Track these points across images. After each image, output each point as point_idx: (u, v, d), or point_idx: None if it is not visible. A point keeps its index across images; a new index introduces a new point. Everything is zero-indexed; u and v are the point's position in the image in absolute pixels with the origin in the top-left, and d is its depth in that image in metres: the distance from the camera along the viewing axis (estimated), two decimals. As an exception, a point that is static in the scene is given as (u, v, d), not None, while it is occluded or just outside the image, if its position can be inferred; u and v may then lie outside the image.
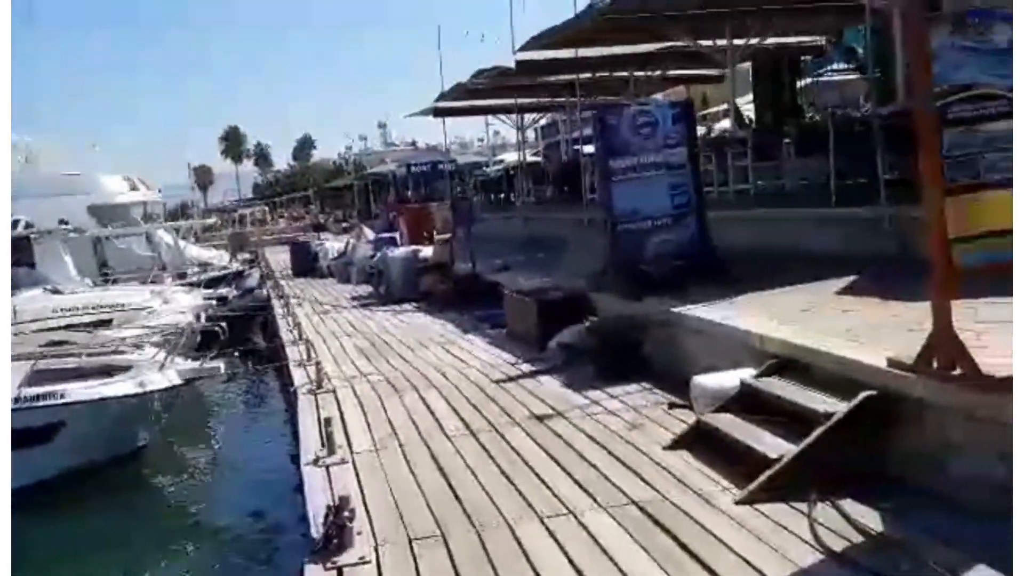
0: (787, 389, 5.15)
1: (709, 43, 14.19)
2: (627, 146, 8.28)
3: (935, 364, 4.18)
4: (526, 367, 8.15)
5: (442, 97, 21.67)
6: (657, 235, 8.37)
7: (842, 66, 30.17)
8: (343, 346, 10.53)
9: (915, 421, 4.31)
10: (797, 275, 7.79)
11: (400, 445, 6.06)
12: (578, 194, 18.63)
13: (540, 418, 6.35)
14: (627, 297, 8.01)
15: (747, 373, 5.59)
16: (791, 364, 5.36)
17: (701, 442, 5.27)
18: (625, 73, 18.31)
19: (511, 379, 7.77)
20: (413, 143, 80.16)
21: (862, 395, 4.44)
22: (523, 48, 14.76)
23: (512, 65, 16.23)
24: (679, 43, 14.65)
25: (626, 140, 8.27)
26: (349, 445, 6.08)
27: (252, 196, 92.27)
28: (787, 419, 4.88)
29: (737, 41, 14.11)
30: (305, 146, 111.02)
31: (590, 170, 16.61)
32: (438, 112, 22.64)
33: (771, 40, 14.98)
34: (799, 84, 17.59)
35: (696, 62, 16.55)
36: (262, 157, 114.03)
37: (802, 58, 18.01)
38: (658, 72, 18.17)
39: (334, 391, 7.90)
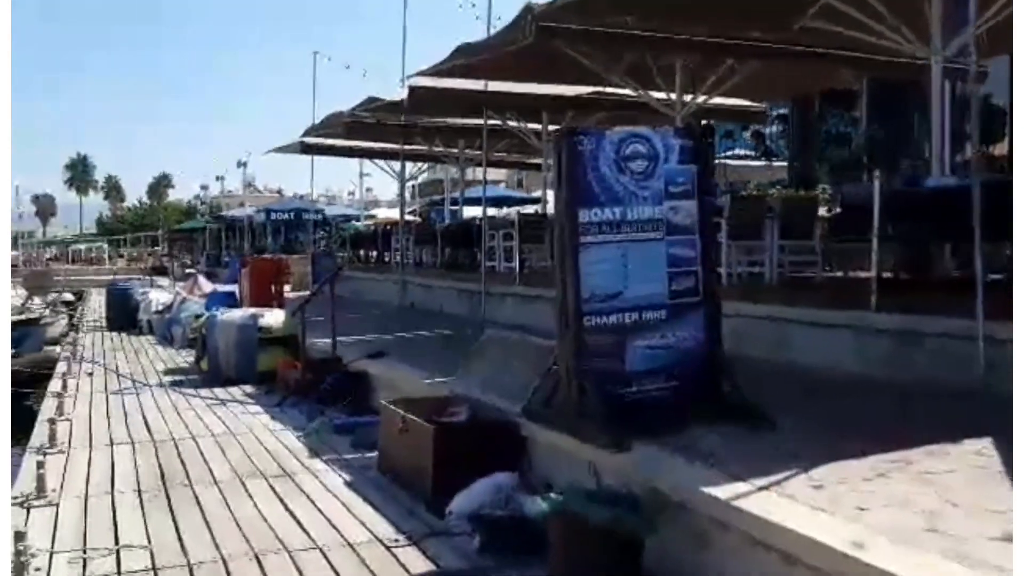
0: None
1: (660, 95, 11.34)
2: (607, 189, 5.03)
3: None
4: (411, 555, 4.62)
5: (312, 131, 18.12)
6: (645, 336, 5.11)
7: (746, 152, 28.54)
8: (113, 468, 6.65)
9: None
10: (848, 413, 4.80)
11: None
12: (471, 260, 15.41)
13: None
14: (598, 440, 4.67)
15: None
16: None
17: None
18: (538, 126, 15.36)
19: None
20: (279, 191, 75.41)
21: None
22: (425, 73, 11.50)
23: (400, 97, 12.97)
24: (620, 90, 11.78)
25: (605, 179, 5.03)
26: None
27: (96, 231, 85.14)
28: None
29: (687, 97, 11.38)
30: (161, 183, 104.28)
31: (486, 232, 13.40)
32: (306, 148, 18.98)
33: (719, 100, 12.30)
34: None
35: (629, 114, 13.73)
36: (113, 190, 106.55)
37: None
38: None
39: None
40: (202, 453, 7.03)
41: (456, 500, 5.10)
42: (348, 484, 6.03)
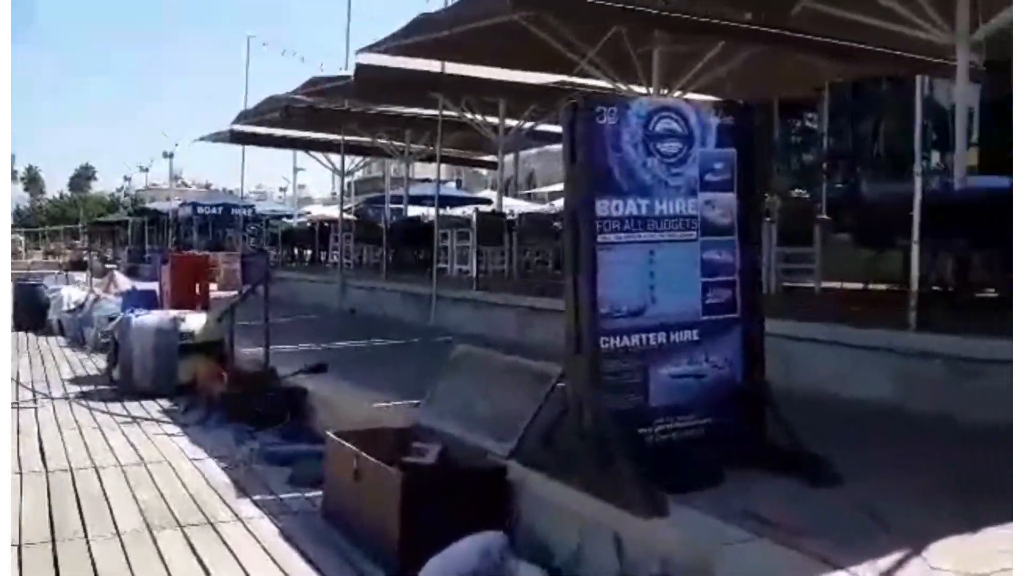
0: None
1: (639, 89, 10.32)
2: (632, 175, 3.97)
3: None
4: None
5: (244, 117, 16.70)
6: (672, 361, 4.06)
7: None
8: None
9: None
10: (917, 458, 3.82)
11: None
12: (420, 262, 14.24)
13: None
14: (627, 499, 3.57)
15: None
16: None
17: None
18: (494, 119, 14.25)
19: None
20: (207, 185, 72.62)
21: None
22: (375, 49, 10.28)
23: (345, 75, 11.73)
24: (590, 80, 10.76)
25: (630, 163, 3.96)
26: None
27: (13, 223, 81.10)
28: None
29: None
30: (84, 175, 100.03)
31: (438, 231, 12.26)
32: (237, 137, 17.52)
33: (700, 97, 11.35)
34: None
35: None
36: (32, 182, 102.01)
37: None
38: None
39: None
40: (104, 492, 5.71)
41: (429, 567, 3.96)
42: (285, 536, 4.82)
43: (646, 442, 3.99)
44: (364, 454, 4.58)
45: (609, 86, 10.16)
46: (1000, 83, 9.98)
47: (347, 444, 4.81)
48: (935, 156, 14.58)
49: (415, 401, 5.99)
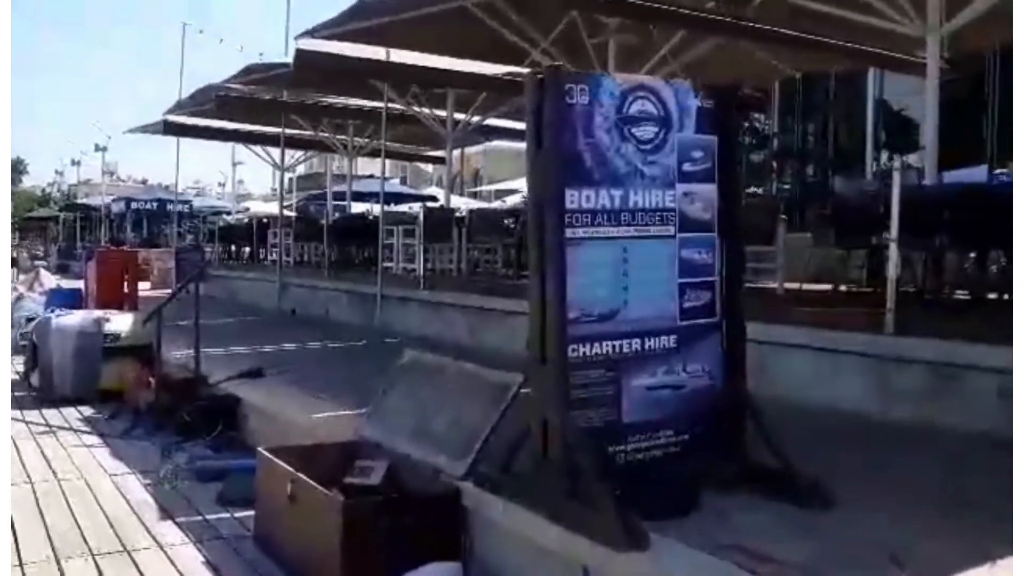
0: None
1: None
2: (604, 162, 3.54)
3: None
4: None
5: (179, 107, 15.94)
6: (647, 371, 3.65)
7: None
8: None
9: None
10: (912, 475, 3.42)
11: None
12: (364, 260, 13.68)
13: None
14: (601, 529, 3.14)
15: None
16: None
17: None
18: (442, 112, 13.73)
19: None
20: (144, 181, 70.53)
21: None
22: (316, 33, 9.70)
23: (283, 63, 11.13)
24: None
25: (602, 149, 3.54)
26: None
27: (-65, 218, 77.78)
28: None
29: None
30: (15, 168, 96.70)
31: (383, 228, 11.74)
32: (171, 128, 16.71)
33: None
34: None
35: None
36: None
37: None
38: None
39: None
40: (11, 513, 5.11)
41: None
42: (212, 567, 4.30)
43: (616, 462, 3.57)
44: (301, 475, 4.08)
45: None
46: (957, 80, 9.99)
47: (281, 463, 4.30)
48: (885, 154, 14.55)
49: (359, 411, 5.51)
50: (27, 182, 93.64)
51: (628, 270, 3.57)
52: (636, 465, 3.59)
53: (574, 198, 3.45)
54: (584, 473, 3.30)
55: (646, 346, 3.62)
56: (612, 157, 3.54)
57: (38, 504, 5.31)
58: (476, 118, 13.94)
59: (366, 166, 28.28)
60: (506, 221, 11.47)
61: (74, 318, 9.17)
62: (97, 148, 47.41)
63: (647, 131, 3.62)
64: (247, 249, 20.65)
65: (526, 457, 3.65)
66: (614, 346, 3.54)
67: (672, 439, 3.68)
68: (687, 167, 3.72)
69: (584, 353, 3.48)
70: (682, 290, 3.72)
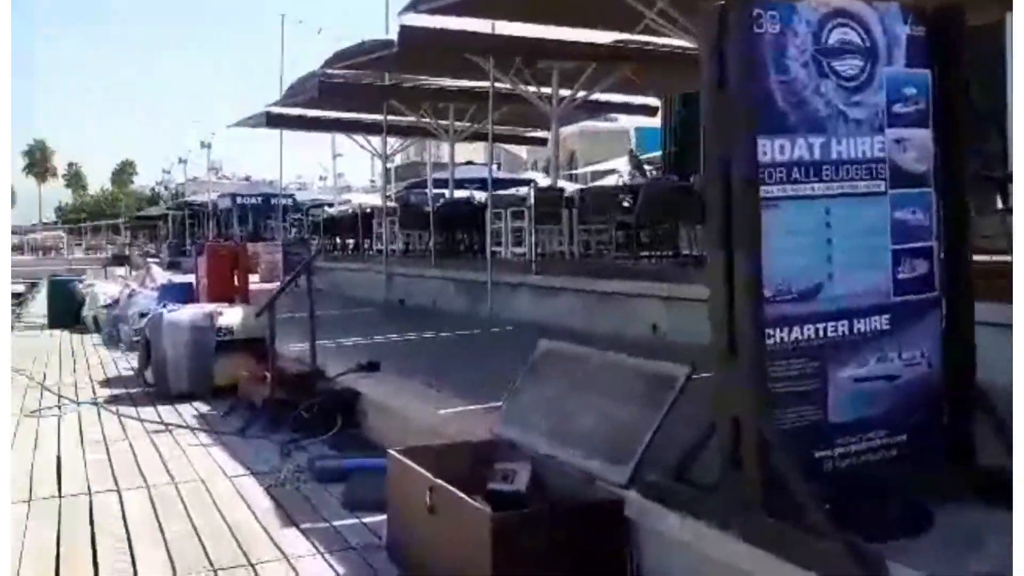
0: None
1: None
2: (800, 104, 2.91)
3: None
4: None
5: (281, 100, 15.81)
6: (856, 359, 3.01)
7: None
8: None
9: None
10: None
11: None
12: (470, 247, 13.25)
13: None
14: (821, 557, 2.54)
15: None
16: None
17: None
18: (547, 89, 13.13)
19: None
20: (247, 178, 72.26)
21: None
22: (420, 7, 9.24)
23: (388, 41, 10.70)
24: (653, 38, 9.65)
25: (798, 88, 2.91)
26: None
27: (55, 220, 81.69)
28: None
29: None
30: (125, 170, 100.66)
31: (491, 212, 11.25)
32: (272, 121, 16.62)
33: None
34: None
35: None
36: (75, 178, 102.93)
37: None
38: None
39: None
40: (126, 524, 4.78)
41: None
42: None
43: (822, 469, 2.94)
44: (440, 482, 3.58)
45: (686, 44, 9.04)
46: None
47: (417, 467, 3.81)
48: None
49: (487, 406, 5.02)
50: (137, 182, 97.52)
51: (832, 236, 2.93)
52: (846, 473, 2.96)
53: (766, 149, 2.82)
54: (789, 484, 2.69)
55: (855, 328, 2.97)
56: (810, 97, 2.90)
57: (156, 513, 4.98)
58: (582, 93, 13.29)
59: (462, 152, 27.99)
60: (620, 198, 10.84)
61: (186, 312, 8.98)
62: (203, 145, 48.66)
63: (850, 65, 2.97)
64: (351, 240, 20.55)
65: (706, 464, 3.06)
66: (817, 329, 2.91)
67: (887, 440, 3.03)
68: (898, 108, 3.05)
69: (782, 339, 2.87)
70: (896, 259, 3.05)
